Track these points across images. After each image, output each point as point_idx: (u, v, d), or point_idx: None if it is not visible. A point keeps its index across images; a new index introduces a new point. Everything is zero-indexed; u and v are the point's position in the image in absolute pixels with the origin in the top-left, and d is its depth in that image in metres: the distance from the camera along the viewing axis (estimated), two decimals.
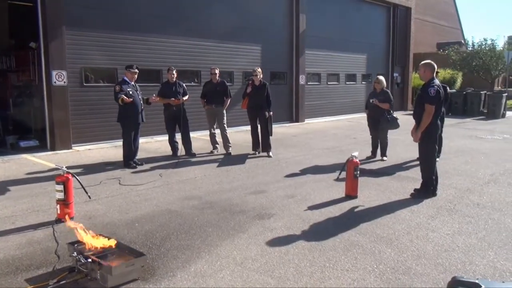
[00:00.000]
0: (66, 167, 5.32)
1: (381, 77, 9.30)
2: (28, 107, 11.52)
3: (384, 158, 9.11)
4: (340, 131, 14.15)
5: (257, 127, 9.67)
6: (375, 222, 5.22)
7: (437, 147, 6.35)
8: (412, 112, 6.54)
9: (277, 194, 6.46)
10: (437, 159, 7.56)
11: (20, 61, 11.71)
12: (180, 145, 9.46)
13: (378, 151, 9.21)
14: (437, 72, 9.08)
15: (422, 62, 6.21)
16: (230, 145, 9.80)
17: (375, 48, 20.99)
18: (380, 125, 8.91)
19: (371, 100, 9.02)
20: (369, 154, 9.31)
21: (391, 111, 8.87)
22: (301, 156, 9.67)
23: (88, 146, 10.73)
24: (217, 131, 9.93)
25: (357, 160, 6.23)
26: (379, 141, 9.15)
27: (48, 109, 10.22)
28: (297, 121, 16.76)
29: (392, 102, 9.00)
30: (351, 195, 6.24)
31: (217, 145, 9.99)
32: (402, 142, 9.51)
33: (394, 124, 8.76)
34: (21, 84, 11.98)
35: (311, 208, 5.79)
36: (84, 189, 5.39)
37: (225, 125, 9.80)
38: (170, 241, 4.60)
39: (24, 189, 6.78)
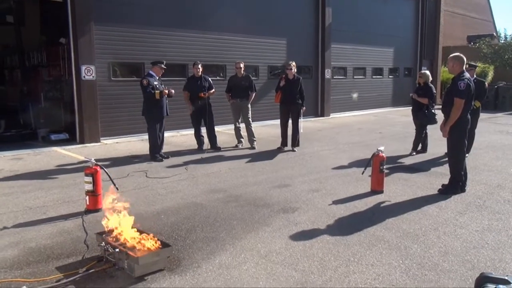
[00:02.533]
0: (94, 159, 5.45)
1: (424, 71, 9.24)
2: (58, 101, 11.83)
3: (413, 153, 8.99)
4: (366, 126, 13.97)
5: (288, 122, 9.59)
6: (401, 217, 5.15)
7: (466, 143, 6.20)
8: (440, 106, 6.39)
9: (302, 188, 6.44)
10: (467, 155, 7.41)
11: (51, 57, 12.02)
12: (206, 139, 9.55)
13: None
14: (475, 66, 8.91)
15: (451, 55, 6.05)
16: (255, 139, 9.82)
17: (403, 41, 20.58)
18: (417, 119, 8.85)
19: (410, 94, 9.04)
20: (401, 148, 9.33)
21: (430, 106, 8.71)
22: (326, 150, 9.61)
23: (115, 139, 10.94)
24: (242, 125, 9.96)
25: (383, 154, 6.15)
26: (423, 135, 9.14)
27: (77, 103, 10.47)
28: (322, 115, 16.64)
29: (434, 97, 8.84)
30: (376, 190, 6.17)
31: (242, 139, 10.02)
32: (430, 137, 9.31)
33: (431, 119, 8.64)
34: (52, 79, 12.31)
35: (336, 202, 5.75)
36: (112, 181, 5.50)
37: (250, 119, 9.82)
38: (195, 233, 4.66)
39: (54, 180, 6.98)
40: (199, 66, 9.30)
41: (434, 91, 8.98)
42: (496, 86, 19.52)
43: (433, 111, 8.69)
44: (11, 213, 5.32)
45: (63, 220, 5.08)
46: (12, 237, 4.54)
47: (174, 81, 10.87)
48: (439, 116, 7.19)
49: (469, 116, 5.99)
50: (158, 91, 8.08)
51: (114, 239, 3.93)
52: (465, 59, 6.01)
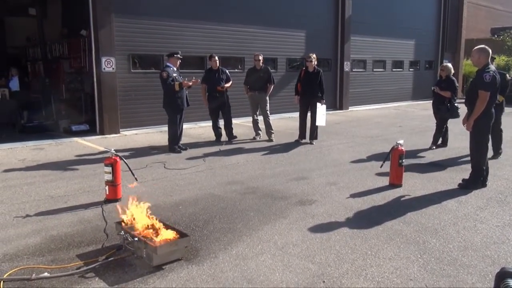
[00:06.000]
0: (114, 150, 5.51)
1: (447, 64, 9.07)
2: (79, 93, 12.01)
3: (433, 147, 8.86)
4: (385, 119, 13.81)
5: (306, 115, 9.52)
6: (420, 211, 5.09)
7: (490, 138, 6.06)
8: (463, 100, 6.26)
9: (319, 181, 6.42)
10: (500, 156, 7.45)
11: (72, 49, 12.20)
12: (223, 131, 9.59)
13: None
14: (493, 58, 8.68)
15: (476, 47, 5.91)
16: (272, 131, 9.81)
17: (424, 33, 20.21)
18: (439, 113, 8.72)
19: (432, 87, 8.90)
20: (421, 142, 9.24)
21: (453, 100, 8.56)
22: (344, 143, 9.54)
23: (135, 130, 11.07)
24: (260, 118, 9.95)
25: (403, 148, 6.08)
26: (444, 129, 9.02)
27: (97, 95, 10.61)
28: (341, 108, 16.51)
29: (456, 90, 8.69)
30: (395, 183, 6.11)
31: (259, 132, 10.02)
32: (451, 131, 9.16)
33: (454, 113, 8.49)
34: (73, 71, 12.49)
35: (354, 195, 5.72)
36: (131, 172, 5.56)
37: (268, 112, 9.80)
38: (213, 224, 4.70)
39: (75, 170, 7.10)
40: (216, 58, 9.31)
41: (457, 84, 8.81)
42: None
43: (455, 104, 8.55)
44: (34, 202, 5.44)
45: (83, 209, 5.17)
46: (35, 225, 4.65)
47: (192, 73, 10.88)
48: (462, 110, 7.07)
49: (493, 110, 5.86)
50: (177, 83, 8.13)
51: (133, 228, 3.98)
52: (490, 51, 5.86)
